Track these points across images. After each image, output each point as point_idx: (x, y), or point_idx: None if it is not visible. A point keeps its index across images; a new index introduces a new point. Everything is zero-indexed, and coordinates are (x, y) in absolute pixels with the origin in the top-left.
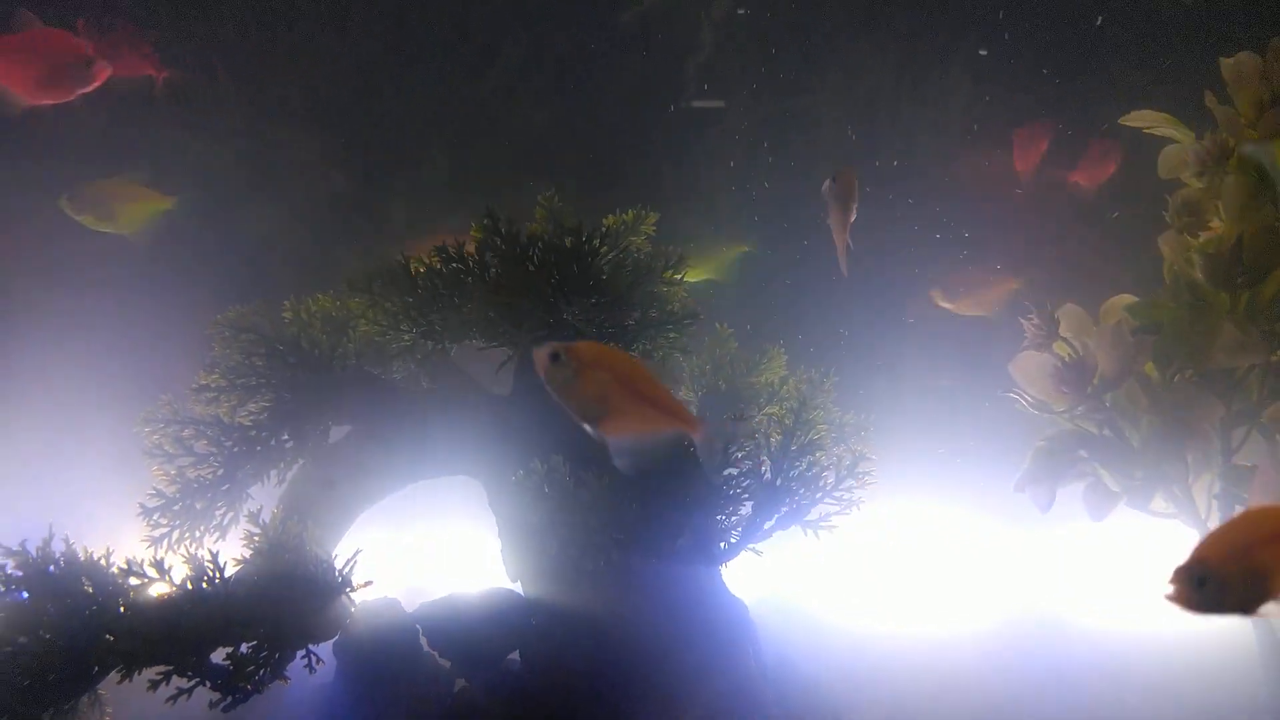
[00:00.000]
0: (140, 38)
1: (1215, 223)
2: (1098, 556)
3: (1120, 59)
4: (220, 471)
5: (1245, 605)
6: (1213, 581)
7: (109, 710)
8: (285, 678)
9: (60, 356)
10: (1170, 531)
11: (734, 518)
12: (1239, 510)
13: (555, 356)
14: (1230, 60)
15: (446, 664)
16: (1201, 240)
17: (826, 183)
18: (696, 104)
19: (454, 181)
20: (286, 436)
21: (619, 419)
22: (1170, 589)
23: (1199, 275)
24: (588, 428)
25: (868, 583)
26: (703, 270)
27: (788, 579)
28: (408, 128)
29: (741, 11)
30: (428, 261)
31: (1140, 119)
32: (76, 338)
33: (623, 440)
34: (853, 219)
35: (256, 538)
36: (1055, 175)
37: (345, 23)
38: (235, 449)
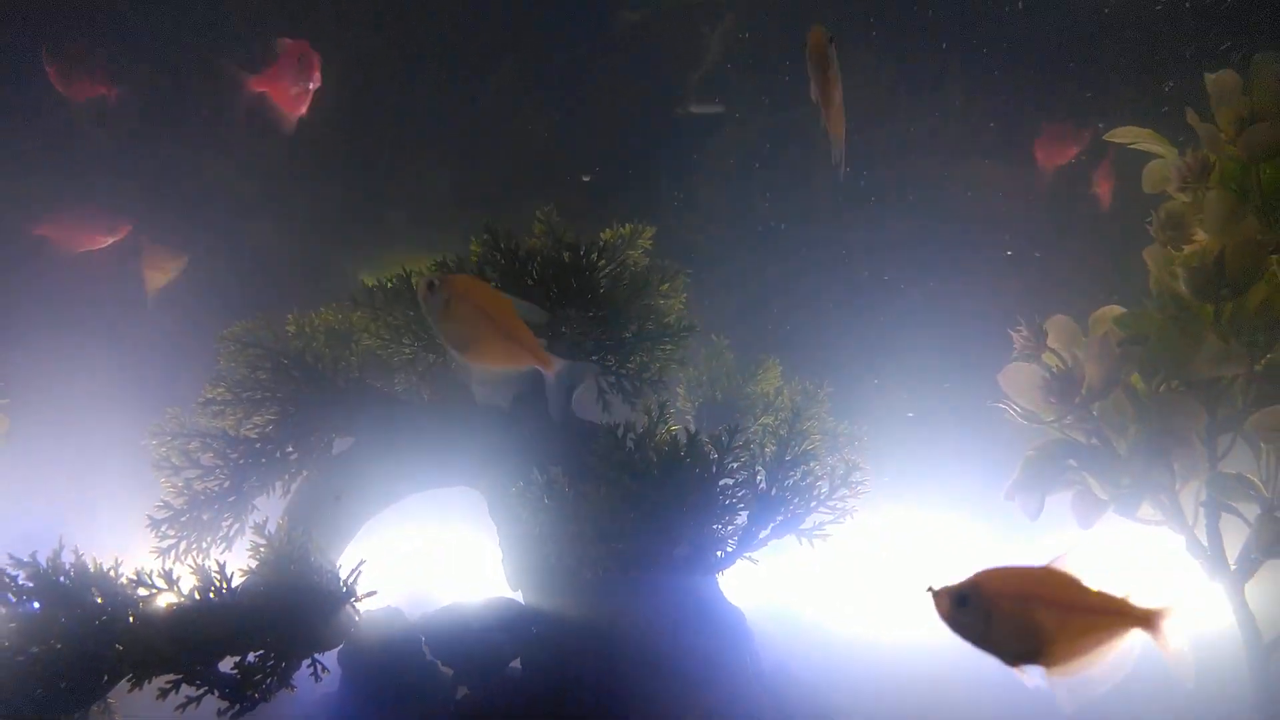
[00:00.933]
0: (92, 56)
1: (1199, 236)
2: (1089, 563)
3: (1112, 72)
4: (226, 483)
5: (1009, 653)
6: (976, 608)
7: (118, 718)
8: (292, 686)
9: (69, 369)
10: (1159, 538)
11: (730, 527)
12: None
13: (431, 286)
14: (1213, 76)
15: (449, 672)
16: (1185, 253)
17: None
18: (695, 109)
19: (455, 192)
20: (291, 449)
21: (482, 349)
22: (934, 593)
23: (1183, 288)
24: (456, 354)
25: (862, 590)
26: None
27: (783, 587)
28: (408, 139)
29: (744, 35)
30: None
31: (1125, 134)
32: (86, 351)
33: (484, 370)
34: (838, 91)
35: (262, 549)
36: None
37: (346, 35)
38: (241, 461)
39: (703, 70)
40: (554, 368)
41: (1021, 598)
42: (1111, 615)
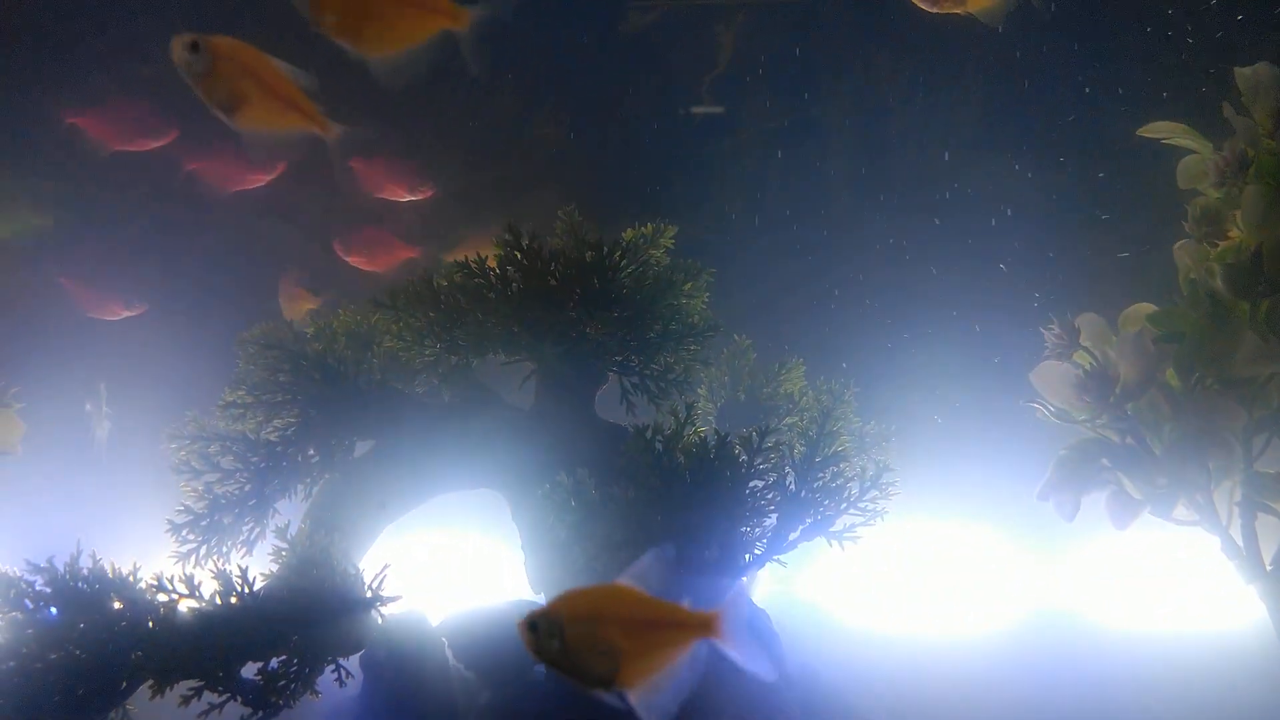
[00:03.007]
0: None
1: (1234, 231)
2: (1121, 561)
3: (1131, 65)
4: (247, 487)
5: (587, 677)
6: (550, 636)
7: None
8: (316, 691)
9: (86, 373)
10: (1193, 538)
11: (759, 529)
12: None
13: (193, 46)
14: (1247, 70)
15: (472, 676)
16: (1221, 249)
17: None
18: (696, 110)
19: (469, 194)
20: (312, 452)
21: (253, 112)
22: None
23: (1219, 284)
24: (224, 118)
25: (888, 588)
26: None
27: (808, 586)
28: (421, 141)
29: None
30: (450, 277)
31: (1158, 130)
32: (103, 354)
33: (256, 133)
34: None
35: (284, 553)
36: None
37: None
38: (262, 465)
39: (716, 71)
40: (332, 131)
41: (591, 619)
42: (675, 627)
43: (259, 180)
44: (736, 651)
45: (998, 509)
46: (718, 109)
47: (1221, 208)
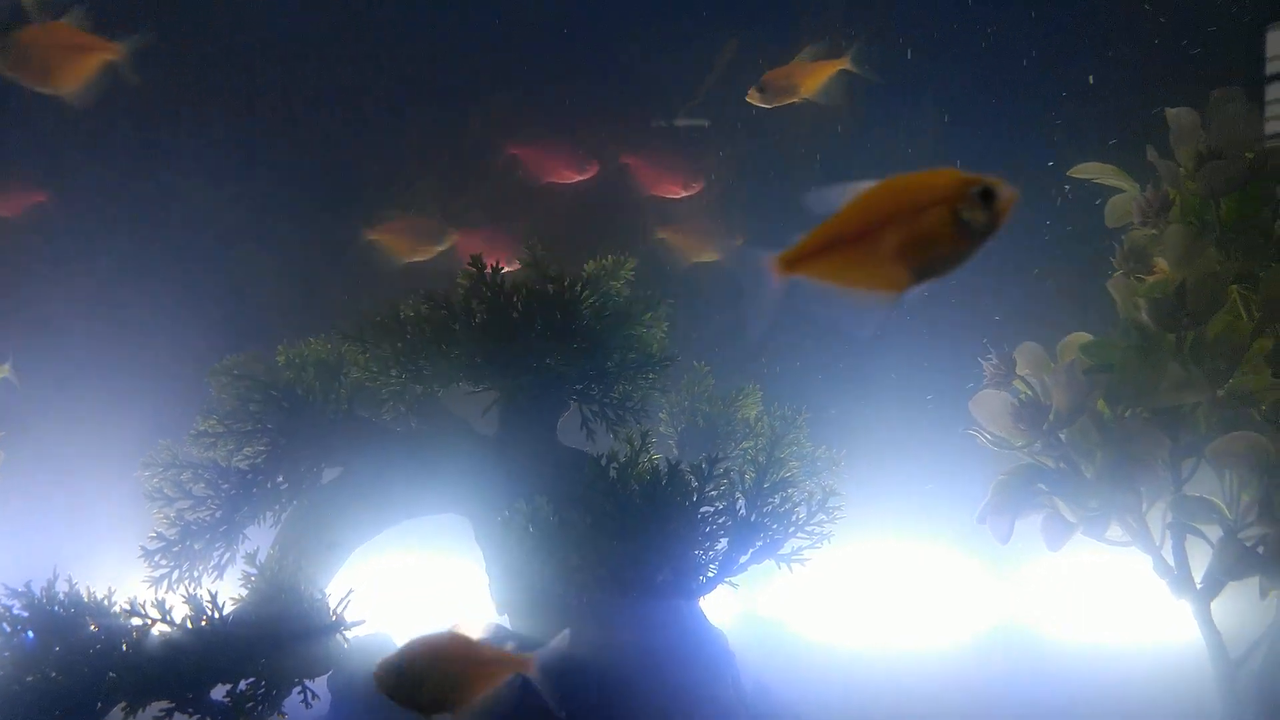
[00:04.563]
0: None
1: (1161, 266)
2: (1076, 578)
3: (1078, 105)
4: (218, 514)
5: (427, 706)
6: (408, 675)
7: None
8: (283, 713)
9: (63, 402)
10: (1129, 559)
11: (711, 553)
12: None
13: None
14: (1173, 112)
15: None
16: (1148, 284)
17: None
18: (679, 123)
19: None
20: (281, 479)
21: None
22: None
23: (1145, 318)
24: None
25: (851, 605)
26: None
27: (770, 603)
28: (396, 170)
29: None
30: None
31: (1087, 170)
32: (80, 383)
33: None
34: None
35: (253, 578)
36: None
37: (335, 67)
38: (233, 492)
39: (696, 98)
40: (120, 52)
41: (437, 659)
42: (498, 664)
43: (573, 177)
44: (544, 689)
45: (956, 529)
46: (690, 123)
47: (1148, 244)
